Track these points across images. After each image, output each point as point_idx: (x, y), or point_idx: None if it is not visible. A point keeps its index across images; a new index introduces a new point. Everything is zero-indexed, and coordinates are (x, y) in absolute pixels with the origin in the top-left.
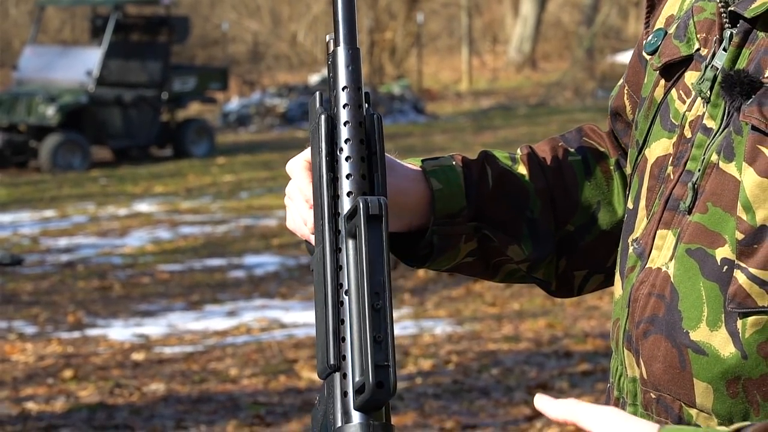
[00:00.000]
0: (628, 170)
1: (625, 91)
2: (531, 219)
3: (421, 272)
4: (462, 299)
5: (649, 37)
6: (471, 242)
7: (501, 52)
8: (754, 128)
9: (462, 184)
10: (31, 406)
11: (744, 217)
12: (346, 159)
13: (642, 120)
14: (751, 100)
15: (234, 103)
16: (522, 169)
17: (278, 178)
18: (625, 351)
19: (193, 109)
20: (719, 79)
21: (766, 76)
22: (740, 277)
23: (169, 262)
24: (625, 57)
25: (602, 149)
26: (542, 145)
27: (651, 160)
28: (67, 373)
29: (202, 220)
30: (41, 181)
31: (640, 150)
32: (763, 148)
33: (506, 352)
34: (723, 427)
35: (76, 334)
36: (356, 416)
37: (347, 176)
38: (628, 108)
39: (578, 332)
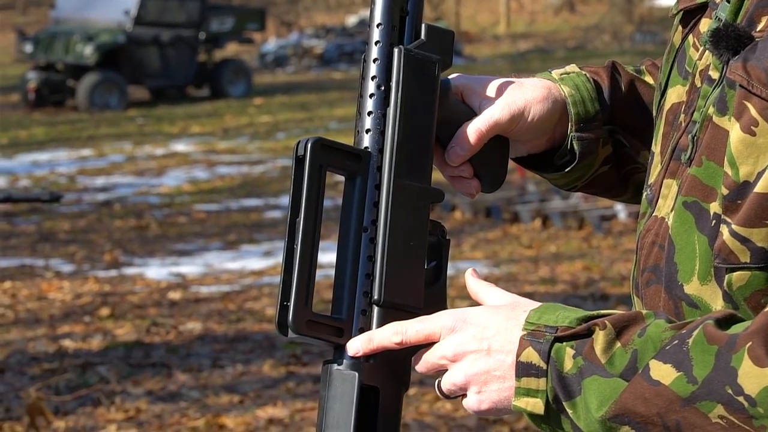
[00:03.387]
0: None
1: None
2: None
3: (457, 214)
4: (498, 241)
5: None
6: (607, 146)
7: None
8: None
9: (593, 89)
10: (67, 343)
11: (729, 172)
12: (370, 96)
13: (664, 63)
14: (738, 55)
15: (271, 44)
16: (649, 79)
17: (315, 119)
18: (635, 297)
19: (231, 49)
20: (707, 33)
21: (758, 30)
22: (724, 232)
23: (206, 202)
24: (662, 0)
25: None
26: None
27: (667, 106)
28: (104, 312)
29: (239, 161)
30: (78, 120)
31: (662, 93)
32: (748, 104)
33: (542, 294)
34: (589, 312)
35: (112, 273)
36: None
37: (368, 113)
38: None
39: (615, 275)
